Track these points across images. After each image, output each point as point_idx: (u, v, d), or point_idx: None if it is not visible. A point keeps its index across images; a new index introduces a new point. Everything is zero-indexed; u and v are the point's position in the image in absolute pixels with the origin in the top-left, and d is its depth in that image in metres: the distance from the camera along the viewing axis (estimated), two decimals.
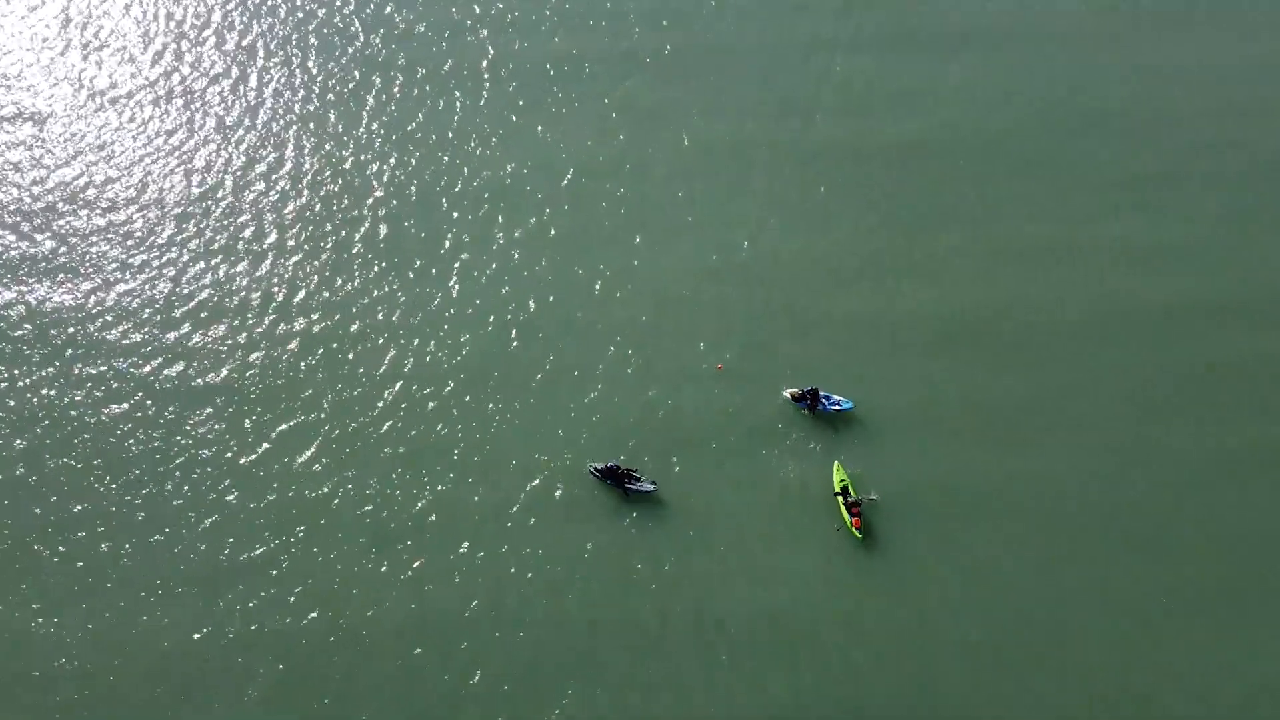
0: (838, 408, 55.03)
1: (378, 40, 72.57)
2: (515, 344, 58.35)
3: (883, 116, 67.57)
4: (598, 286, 60.48)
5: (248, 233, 63.28)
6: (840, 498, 51.58)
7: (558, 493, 53.24)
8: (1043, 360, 56.51)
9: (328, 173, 65.97)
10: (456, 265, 61.58)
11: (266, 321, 59.56)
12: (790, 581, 49.78)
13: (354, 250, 62.46)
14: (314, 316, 59.68)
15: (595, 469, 53.94)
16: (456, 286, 60.82)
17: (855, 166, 65.15)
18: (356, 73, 70.88)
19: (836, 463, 53.16)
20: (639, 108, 68.62)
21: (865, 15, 73.27)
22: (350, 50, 71.87)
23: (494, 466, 54.26)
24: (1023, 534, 50.97)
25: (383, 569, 50.96)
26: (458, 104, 69.25)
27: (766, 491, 52.92)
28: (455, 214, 63.74)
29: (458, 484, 53.72)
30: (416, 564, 50.94)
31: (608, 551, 51.62)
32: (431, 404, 56.39)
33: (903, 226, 62.30)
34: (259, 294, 60.65)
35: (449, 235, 62.95)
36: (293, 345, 58.55)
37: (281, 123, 68.11)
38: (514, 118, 68.48)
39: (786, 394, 55.64)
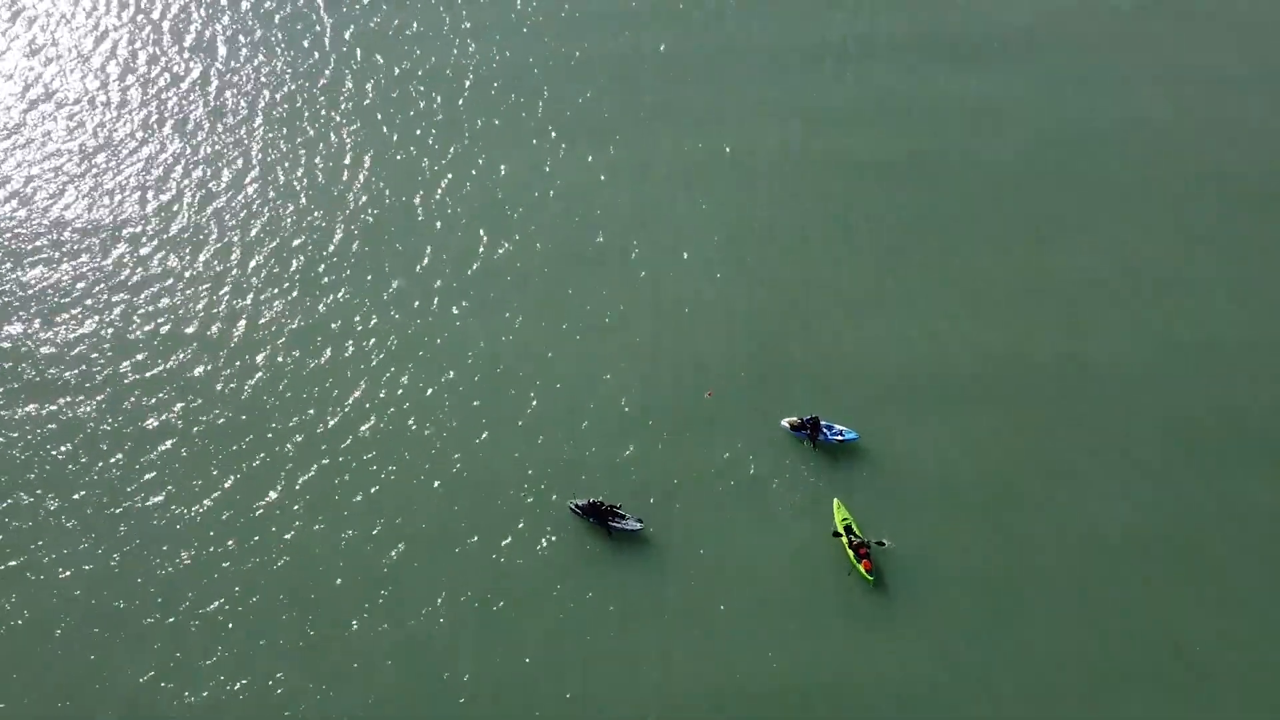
0: (840, 439, 50.46)
1: (349, 58, 68.48)
2: (500, 370, 54.00)
3: (893, 130, 62.81)
4: (587, 307, 56.13)
5: (203, 257, 59.30)
6: (844, 538, 46.92)
7: (542, 541, 48.84)
8: (1071, 396, 51.67)
9: (294, 198, 61.92)
10: (436, 289, 57.28)
11: (224, 353, 55.49)
12: (799, 641, 45.15)
13: (323, 279, 58.21)
14: (279, 343, 55.52)
15: (576, 506, 49.60)
16: (434, 313, 56.54)
17: (865, 182, 60.57)
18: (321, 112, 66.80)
19: (836, 500, 48.59)
20: (636, 117, 64.28)
21: (876, 22, 68.67)
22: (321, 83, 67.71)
23: (476, 506, 50.00)
24: (1051, 580, 46.15)
25: (353, 627, 46.72)
26: (429, 122, 65.13)
27: (764, 532, 48.32)
28: (434, 233, 59.56)
29: (439, 521, 49.53)
30: (383, 628, 46.72)
31: (588, 607, 47.17)
32: (408, 436, 52.17)
33: (919, 250, 57.68)
34: (218, 323, 56.55)
35: (426, 256, 58.76)
36: (255, 378, 54.40)
37: (240, 149, 63.98)
38: (498, 129, 64.30)
39: (785, 423, 51.11)
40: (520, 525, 49.40)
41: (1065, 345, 53.59)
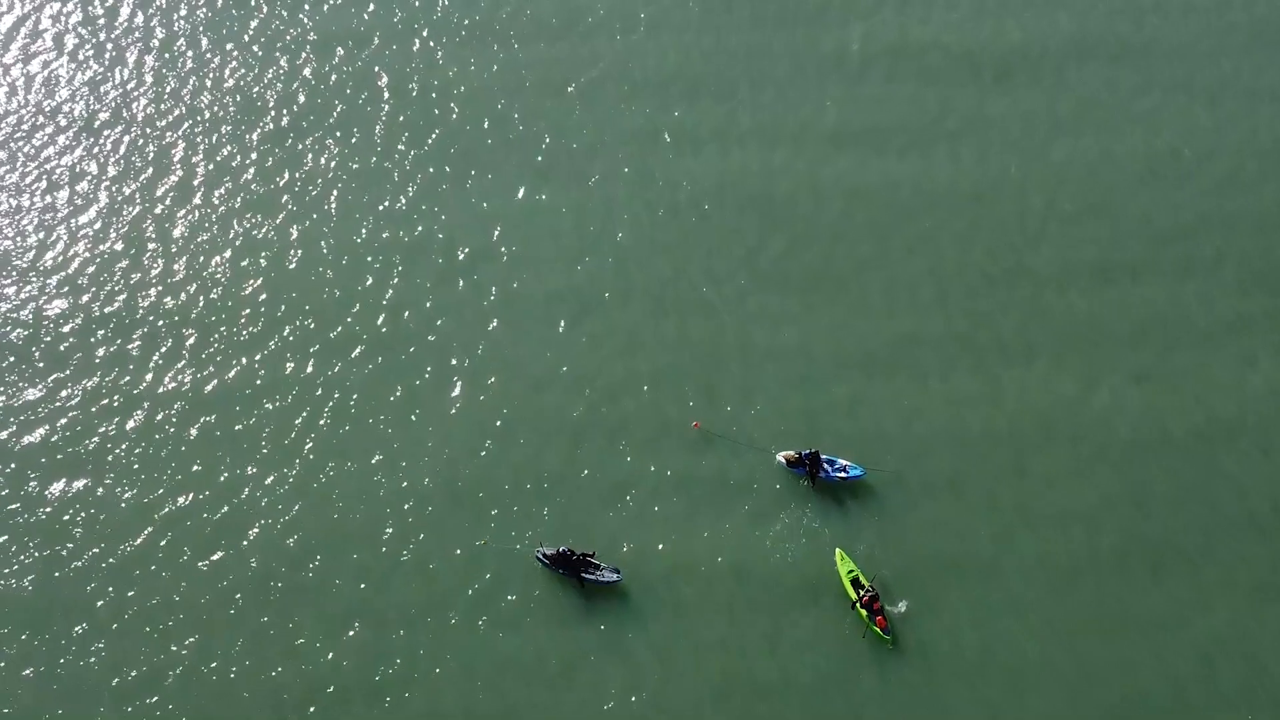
0: (844, 475, 44.41)
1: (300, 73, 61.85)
2: (458, 404, 47.76)
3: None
4: (561, 325, 49.95)
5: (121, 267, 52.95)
6: (856, 602, 40.92)
7: (507, 597, 42.76)
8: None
9: (235, 217, 55.50)
10: (382, 321, 50.79)
11: (146, 379, 49.13)
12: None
13: (261, 308, 51.64)
14: (207, 371, 49.19)
15: (543, 555, 43.43)
16: (385, 341, 50.17)
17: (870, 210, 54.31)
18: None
19: (839, 552, 42.53)
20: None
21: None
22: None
23: (432, 557, 44.01)
24: (1076, 630, 40.42)
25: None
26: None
27: (759, 583, 42.30)
28: (384, 267, 52.64)
29: (388, 575, 43.46)
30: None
31: (555, 673, 41.06)
32: (350, 476, 45.96)
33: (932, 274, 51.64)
34: (138, 346, 50.12)
35: (373, 289, 52.22)
36: (186, 412, 48.01)
37: (173, 169, 57.56)
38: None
39: (781, 458, 45.04)
40: (482, 578, 43.26)
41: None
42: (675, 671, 40.80)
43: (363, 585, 43.20)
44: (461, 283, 51.34)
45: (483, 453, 46.24)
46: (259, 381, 48.47)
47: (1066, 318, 48.67)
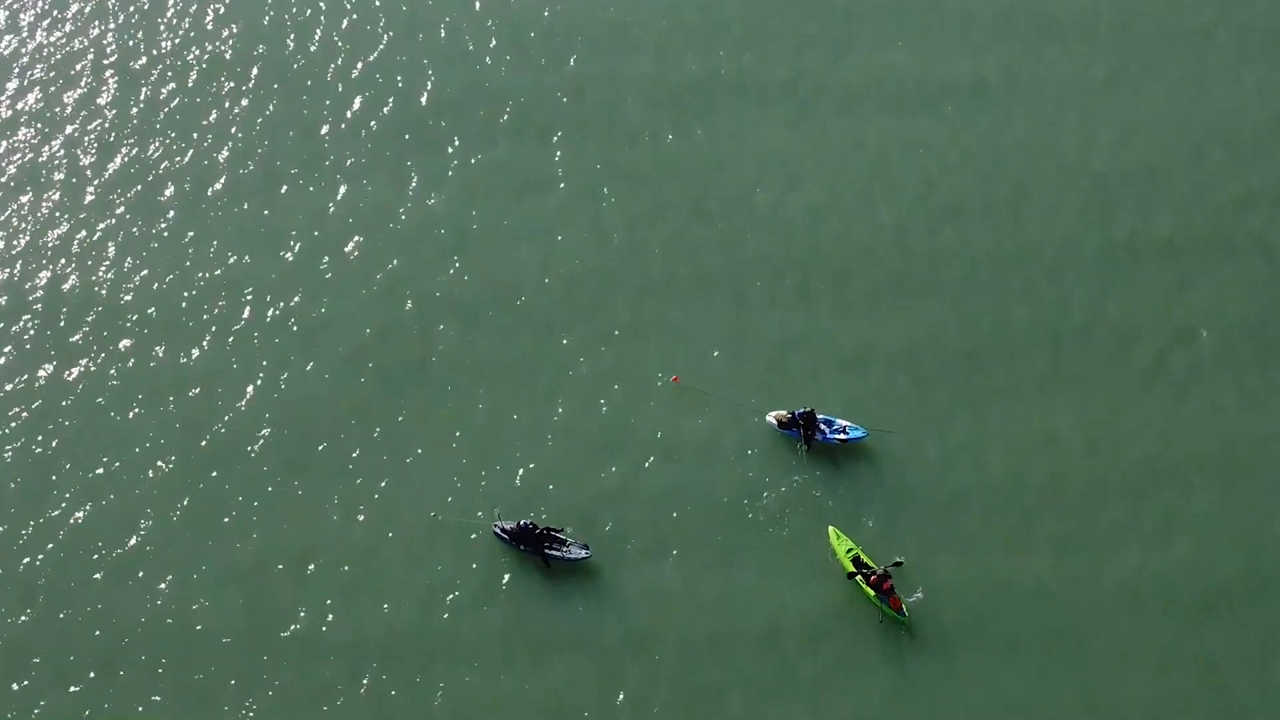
0: (843, 437, 39.13)
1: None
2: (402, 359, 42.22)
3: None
4: (529, 258, 44.22)
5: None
6: (858, 577, 35.74)
7: (458, 582, 37.47)
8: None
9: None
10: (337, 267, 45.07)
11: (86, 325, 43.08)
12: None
13: (215, 270, 45.61)
14: (145, 332, 43.17)
15: (502, 530, 38.09)
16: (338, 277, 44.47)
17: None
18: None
19: (833, 530, 37.29)
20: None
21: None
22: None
23: (375, 529, 38.68)
24: (1113, 622, 35.58)
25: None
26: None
27: (747, 564, 37.08)
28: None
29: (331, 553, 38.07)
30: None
31: (517, 662, 35.85)
32: (299, 447, 40.35)
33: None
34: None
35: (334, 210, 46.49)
36: (128, 370, 42.07)
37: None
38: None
39: (771, 418, 39.72)
40: (432, 555, 37.90)
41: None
42: (656, 665, 35.63)
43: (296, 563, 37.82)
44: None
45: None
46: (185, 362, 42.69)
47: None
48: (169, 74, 50.00)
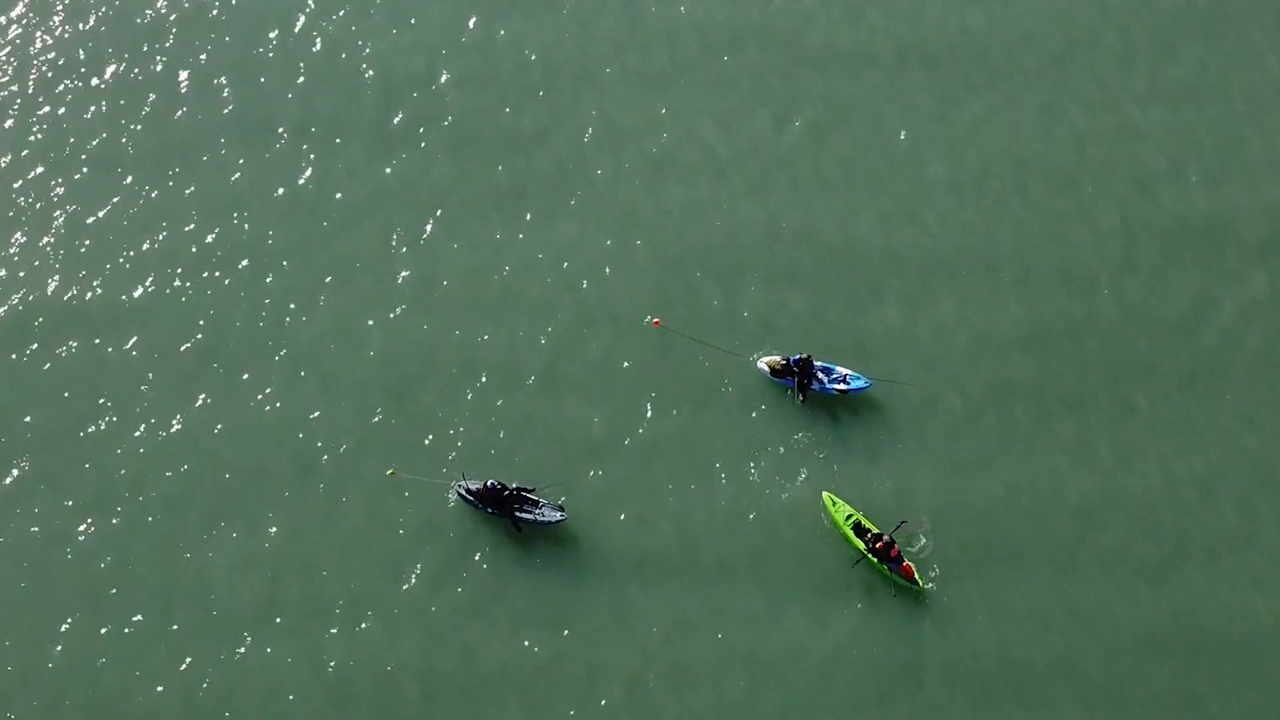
0: (843, 387, 35.55)
1: None
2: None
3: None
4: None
5: None
6: (865, 549, 32.39)
7: (419, 559, 33.87)
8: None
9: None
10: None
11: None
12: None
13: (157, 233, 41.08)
14: (95, 283, 38.88)
15: (466, 490, 34.48)
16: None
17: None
18: None
19: (827, 495, 33.78)
20: None
21: None
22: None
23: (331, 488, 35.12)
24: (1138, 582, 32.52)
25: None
26: None
27: (740, 527, 33.69)
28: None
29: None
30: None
31: (486, 636, 32.53)
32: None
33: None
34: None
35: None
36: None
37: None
38: None
39: (763, 365, 36.11)
40: (390, 515, 34.38)
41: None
42: (635, 623, 32.48)
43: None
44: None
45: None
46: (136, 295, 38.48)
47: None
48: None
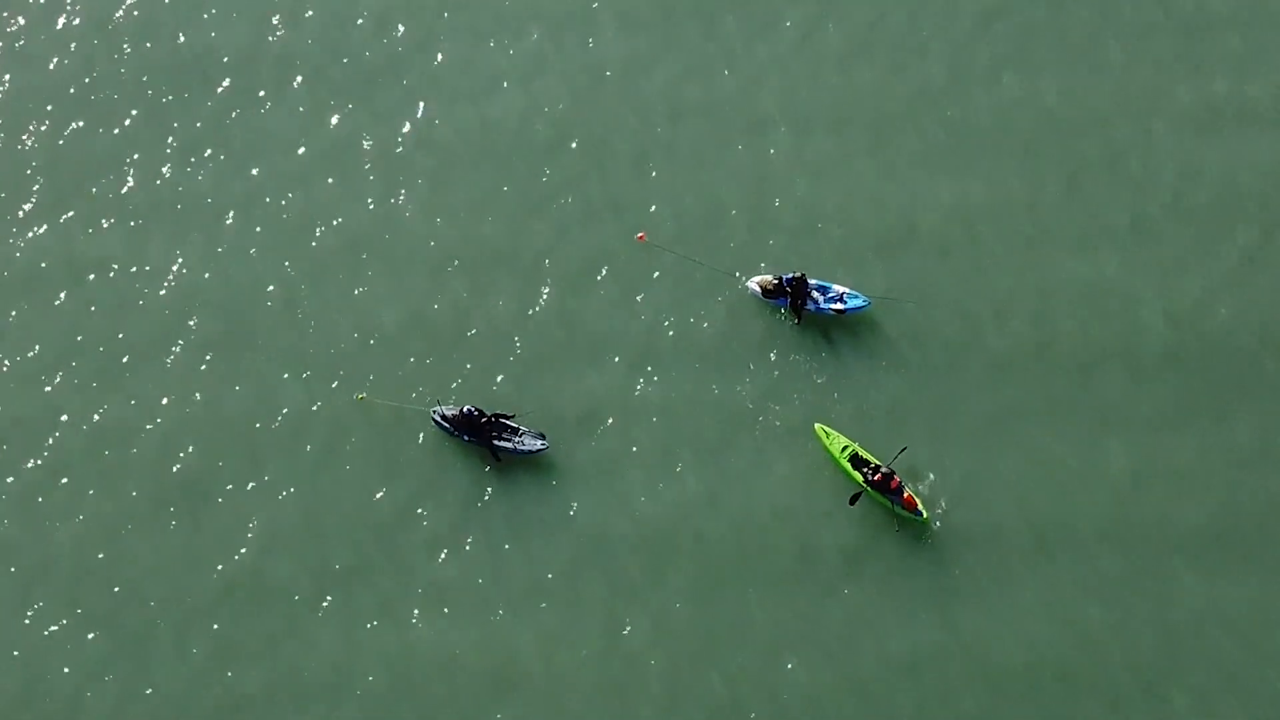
0: (840, 306, 33.49)
1: None
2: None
3: None
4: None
5: None
6: (860, 479, 30.65)
7: (394, 481, 32.08)
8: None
9: None
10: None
11: None
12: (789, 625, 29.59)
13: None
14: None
15: (440, 417, 32.58)
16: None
17: None
18: None
19: (819, 427, 31.80)
20: None
21: None
22: None
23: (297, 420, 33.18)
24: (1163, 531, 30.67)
25: None
26: None
27: (726, 460, 31.83)
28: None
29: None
30: None
31: (464, 575, 30.88)
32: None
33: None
34: None
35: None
36: None
37: None
38: None
39: (754, 285, 34.04)
40: (355, 443, 32.43)
41: None
42: (618, 554, 30.89)
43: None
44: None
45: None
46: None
47: None
48: None
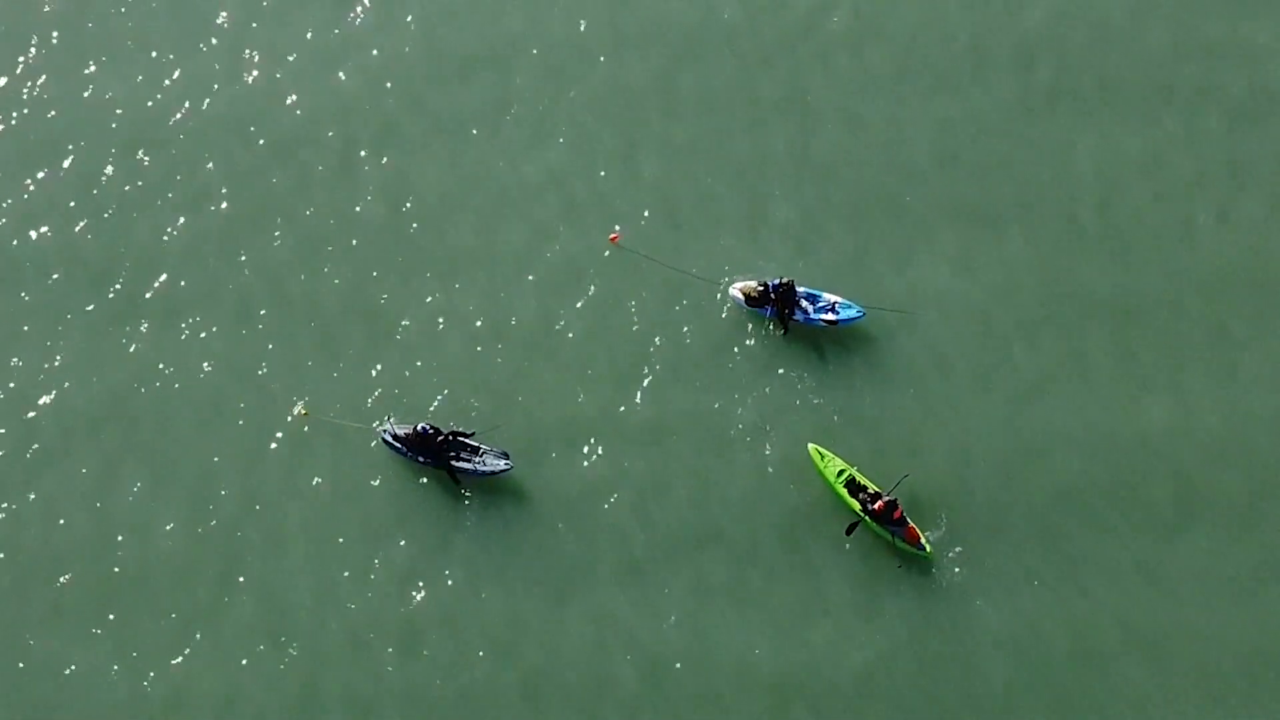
0: (831, 317, 30.75)
1: None
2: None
3: None
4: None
5: None
6: (861, 510, 27.88)
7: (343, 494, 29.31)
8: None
9: None
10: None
11: None
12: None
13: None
14: None
15: (390, 435, 29.57)
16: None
17: None
18: None
19: (813, 448, 29.07)
20: None
21: None
22: None
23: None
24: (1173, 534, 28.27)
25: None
26: None
27: (709, 480, 29.10)
28: None
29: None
30: None
31: (419, 606, 28.01)
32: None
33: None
34: None
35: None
36: None
37: None
38: None
39: (736, 291, 31.28)
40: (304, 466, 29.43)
41: None
42: (585, 584, 28.13)
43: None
44: None
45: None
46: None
47: None
48: None
